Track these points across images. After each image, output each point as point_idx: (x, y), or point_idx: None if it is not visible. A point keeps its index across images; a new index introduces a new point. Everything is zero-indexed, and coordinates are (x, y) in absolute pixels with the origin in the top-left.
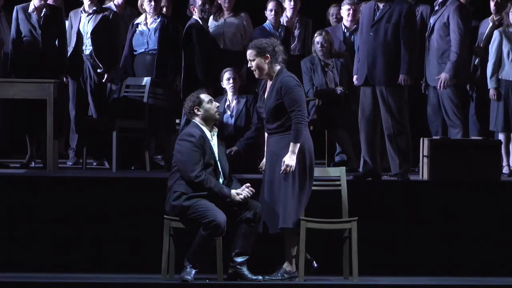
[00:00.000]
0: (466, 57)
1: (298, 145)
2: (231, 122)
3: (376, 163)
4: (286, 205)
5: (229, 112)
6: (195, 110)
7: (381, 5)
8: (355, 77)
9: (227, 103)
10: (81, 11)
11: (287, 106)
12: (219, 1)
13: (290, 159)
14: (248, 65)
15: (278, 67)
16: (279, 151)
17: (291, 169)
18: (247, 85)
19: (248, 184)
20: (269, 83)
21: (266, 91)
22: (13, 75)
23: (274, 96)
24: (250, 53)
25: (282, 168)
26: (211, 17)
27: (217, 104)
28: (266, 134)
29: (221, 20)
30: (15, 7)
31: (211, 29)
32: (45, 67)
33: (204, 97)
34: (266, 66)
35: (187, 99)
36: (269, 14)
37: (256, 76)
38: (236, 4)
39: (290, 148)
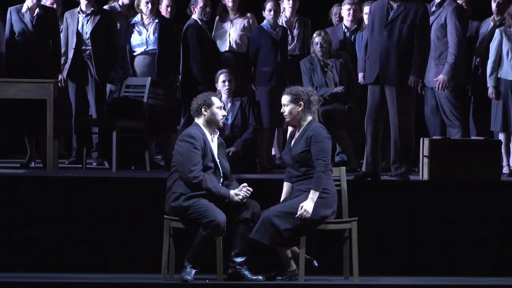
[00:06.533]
0: (464, 59)
1: (318, 193)
2: (228, 124)
3: (377, 163)
4: (298, 230)
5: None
6: (203, 110)
7: (395, 5)
8: (361, 74)
9: (222, 105)
10: (78, 11)
11: (313, 154)
12: (223, 2)
13: (308, 205)
14: (281, 110)
15: (309, 117)
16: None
17: (307, 215)
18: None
19: (245, 184)
20: (297, 132)
21: (293, 139)
22: (7, 75)
23: (302, 144)
24: (284, 98)
25: (299, 212)
26: (217, 18)
27: (225, 113)
28: (286, 183)
29: (227, 21)
30: (9, 8)
31: (217, 30)
32: (39, 67)
33: (216, 101)
34: (297, 114)
35: (198, 97)
36: (268, 14)
37: (286, 120)
38: (242, 5)
39: (310, 195)
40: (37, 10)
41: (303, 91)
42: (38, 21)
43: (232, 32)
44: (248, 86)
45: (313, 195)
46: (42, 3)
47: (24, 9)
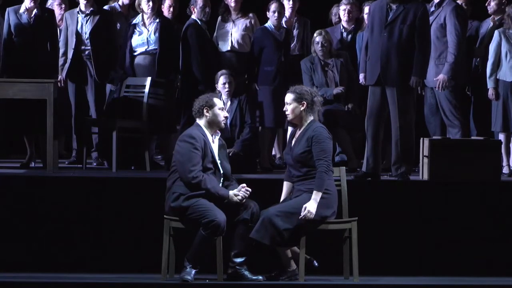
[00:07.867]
0: (463, 58)
1: (321, 193)
2: (227, 123)
3: (377, 164)
4: (299, 230)
5: None
6: (204, 111)
7: (394, 6)
8: (362, 75)
9: (223, 106)
10: (78, 12)
11: (314, 154)
12: (226, 2)
13: (311, 206)
14: (284, 108)
15: (311, 117)
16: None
17: (311, 216)
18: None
19: (243, 185)
20: (298, 131)
21: (294, 138)
22: (5, 75)
23: (303, 144)
24: (288, 97)
25: (303, 213)
26: (219, 18)
27: (227, 114)
28: (286, 182)
29: (229, 21)
30: (7, 9)
31: (219, 30)
32: (37, 67)
33: (217, 102)
34: (300, 113)
35: (200, 98)
36: (272, 15)
37: (288, 118)
38: (244, 5)
39: (313, 196)
40: (35, 11)
41: (307, 91)
42: (36, 21)
43: (234, 32)
44: (251, 85)
45: (316, 196)
46: (48, 4)
47: (22, 9)
